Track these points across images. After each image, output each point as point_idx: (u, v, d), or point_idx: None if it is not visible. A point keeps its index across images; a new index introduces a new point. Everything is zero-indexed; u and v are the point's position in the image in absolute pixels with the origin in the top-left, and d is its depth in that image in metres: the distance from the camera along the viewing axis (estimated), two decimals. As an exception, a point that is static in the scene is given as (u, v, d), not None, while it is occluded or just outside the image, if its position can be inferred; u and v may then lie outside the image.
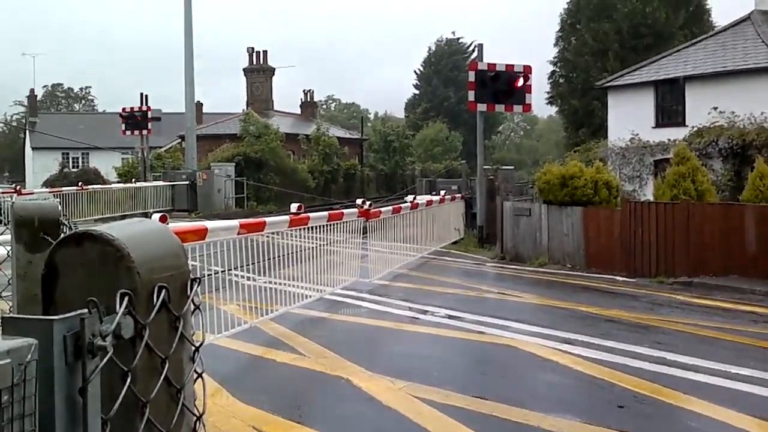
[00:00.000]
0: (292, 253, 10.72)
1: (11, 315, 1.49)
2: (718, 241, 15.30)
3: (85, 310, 1.40)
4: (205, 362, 1.83)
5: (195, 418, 1.78)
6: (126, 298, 1.48)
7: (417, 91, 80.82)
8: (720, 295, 13.71)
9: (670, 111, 27.68)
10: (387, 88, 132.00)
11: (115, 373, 1.48)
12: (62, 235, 2.74)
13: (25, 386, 1.30)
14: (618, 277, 15.94)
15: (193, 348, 1.79)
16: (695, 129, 24.85)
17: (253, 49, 56.65)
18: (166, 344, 1.65)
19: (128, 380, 1.50)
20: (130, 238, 1.61)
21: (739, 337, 9.94)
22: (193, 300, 1.77)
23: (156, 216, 8.17)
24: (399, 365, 8.04)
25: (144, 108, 35.76)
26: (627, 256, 16.35)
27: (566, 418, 6.35)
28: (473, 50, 66.49)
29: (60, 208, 3.44)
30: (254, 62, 56.50)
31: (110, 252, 1.56)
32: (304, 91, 62.74)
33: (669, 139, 25.67)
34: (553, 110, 58.08)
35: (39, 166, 55.61)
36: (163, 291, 1.62)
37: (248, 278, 9.62)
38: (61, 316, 1.37)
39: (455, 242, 21.68)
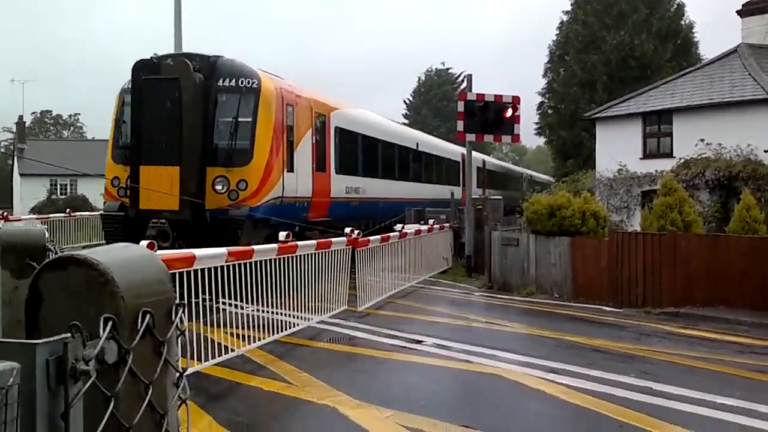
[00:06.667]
0: (281, 281, 10.70)
1: (-6, 339, 1.49)
2: (704, 272, 15.35)
3: (69, 335, 1.39)
4: (190, 390, 1.82)
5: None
6: (110, 323, 1.48)
7: (407, 121, 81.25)
8: (706, 325, 13.74)
9: (657, 142, 27.85)
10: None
11: (98, 398, 1.47)
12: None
13: (7, 410, 1.29)
14: (605, 307, 15.95)
15: (178, 374, 1.79)
16: (682, 160, 24.97)
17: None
18: (150, 369, 1.64)
19: (111, 405, 1.49)
20: (114, 262, 1.61)
21: (726, 368, 9.96)
22: (177, 325, 1.77)
23: (144, 243, 8.14)
24: (386, 394, 8.00)
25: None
26: (614, 286, 16.37)
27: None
28: (462, 80, 67.03)
29: (47, 234, 3.45)
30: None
31: (95, 276, 1.56)
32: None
33: (656, 171, 25.79)
34: (541, 141, 58.50)
35: (27, 193, 55.20)
36: (148, 316, 1.62)
37: (236, 306, 9.59)
38: (44, 340, 1.36)
39: (444, 271, 21.65)
